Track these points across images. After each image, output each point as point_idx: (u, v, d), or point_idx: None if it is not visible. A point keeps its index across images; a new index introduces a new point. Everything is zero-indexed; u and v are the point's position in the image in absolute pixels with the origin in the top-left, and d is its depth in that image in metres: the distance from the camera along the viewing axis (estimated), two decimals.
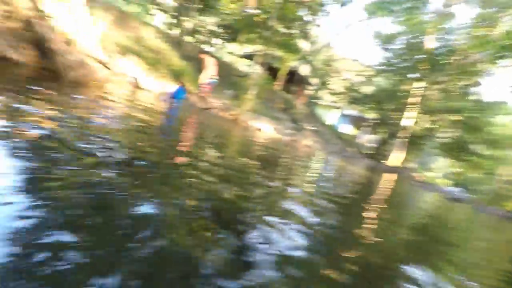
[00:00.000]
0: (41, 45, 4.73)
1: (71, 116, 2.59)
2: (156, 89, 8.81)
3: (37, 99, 2.71)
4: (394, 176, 14.19)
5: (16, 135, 1.71)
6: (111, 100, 4.61)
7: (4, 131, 1.70)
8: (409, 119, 21.63)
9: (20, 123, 1.92)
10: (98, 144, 2.05)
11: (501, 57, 17.90)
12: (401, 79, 23.50)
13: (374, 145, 27.14)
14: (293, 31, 16.40)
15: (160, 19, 21.17)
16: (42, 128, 1.96)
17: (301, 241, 1.66)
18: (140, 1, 19.35)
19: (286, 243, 1.56)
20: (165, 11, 19.47)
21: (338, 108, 32.73)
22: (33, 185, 1.24)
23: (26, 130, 1.82)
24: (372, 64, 26.95)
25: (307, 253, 1.55)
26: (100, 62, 6.72)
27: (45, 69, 4.63)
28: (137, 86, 8.01)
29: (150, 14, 21.08)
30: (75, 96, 3.93)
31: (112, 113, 3.54)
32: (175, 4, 17.73)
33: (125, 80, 7.73)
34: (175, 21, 18.50)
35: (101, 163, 1.71)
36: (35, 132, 1.83)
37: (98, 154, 1.84)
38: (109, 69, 6.99)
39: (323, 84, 29.13)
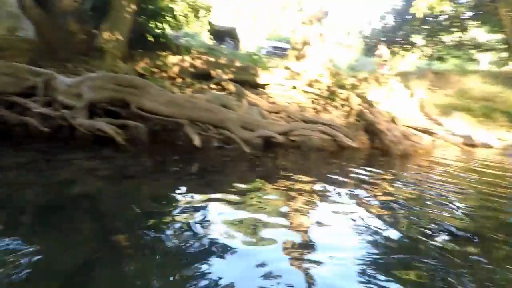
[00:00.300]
0: (369, 129, 5.58)
1: (409, 185, 2.67)
2: (495, 143, 7.22)
3: (374, 173, 3.11)
4: None
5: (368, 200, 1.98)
6: (444, 165, 4.32)
7: (364, 199, 2.04)
8: None
9: (365, 191, 2.25)
10: (444, 213, 1.89)
11: None
12: None
13: None
14: None
15: (485, 60, 18.36)
16: (388, 196, 2.15)
17: None
18: (457, 52, 18.04)
19: None
20: (491, 49, 16.70)
21: None
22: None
23: (372, 199, 2.07)
24: None
25: None
26: (423, 130, 6.71)
27: (374, 148, 5.32)
28: (470, 145, 7.00)
29: (473, 60, 18.83)
30: (407, 167, 4.12)
31: (449, 179, 3.25)
32: (502, 36, 14.76)
33: (454, 141, 7.04)
34: (505, 54, 15.22)
35: (440, 234, 1.52)
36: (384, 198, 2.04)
37: (438, 224, 1.68)
38: (433, 133, 6.78)
39: None
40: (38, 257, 1.16)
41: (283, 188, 2.41)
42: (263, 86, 7.19)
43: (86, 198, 1.95)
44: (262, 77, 7.12)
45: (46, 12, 5.87)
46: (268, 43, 16.44)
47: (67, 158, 2.82)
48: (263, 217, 1.71)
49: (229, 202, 1.95)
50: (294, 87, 7.00)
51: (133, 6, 6.01)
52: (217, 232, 1.48)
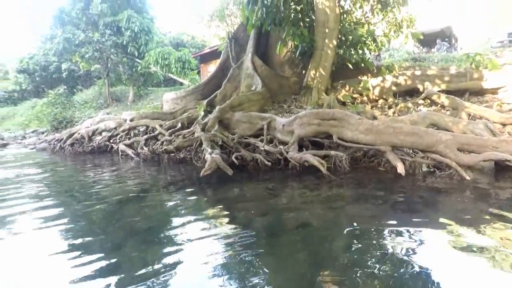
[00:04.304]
0: None
1: None
2: None
3: None
4: None
5: None
6: None
7: None
8: None
9: None
10: None
11: None
12: None
13: None
14: None
15: None
16: None
17: None
18: None
19: None
20: None
21: None
22: None
23: None
24: None
25: None
26: None
27: None
28: None
29: None
30: None
31: None
32: None
33: None
34: None
35: None
36: None
37: None
38: None
39: None
40: (257, 278, 1.53)
41: None
42: (493, 91, 5.67)
43: (299, 225, 2.29)
44: (490, 80, 5.64)
45: (269, 66, 7.51)
46: (501, 30, 12.69)
47: (283, 187, 3.45)
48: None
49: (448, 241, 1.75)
50: None
51: (334, 42, 6.53)
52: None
